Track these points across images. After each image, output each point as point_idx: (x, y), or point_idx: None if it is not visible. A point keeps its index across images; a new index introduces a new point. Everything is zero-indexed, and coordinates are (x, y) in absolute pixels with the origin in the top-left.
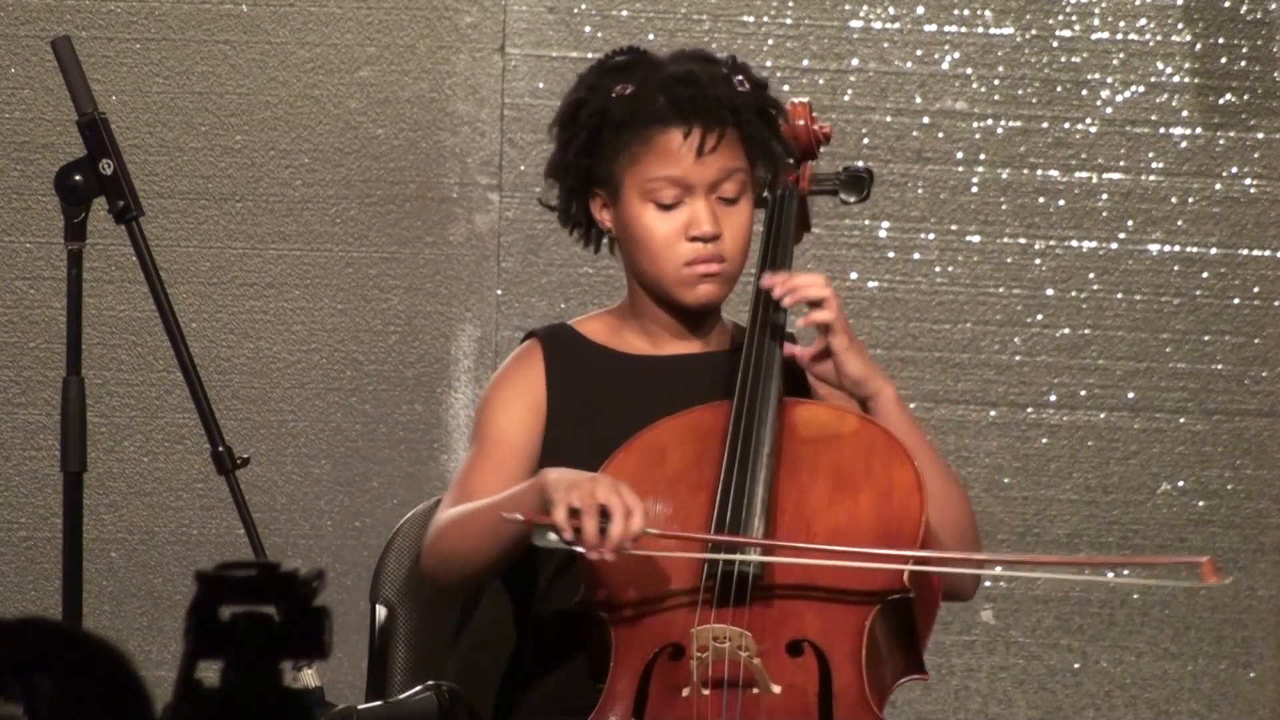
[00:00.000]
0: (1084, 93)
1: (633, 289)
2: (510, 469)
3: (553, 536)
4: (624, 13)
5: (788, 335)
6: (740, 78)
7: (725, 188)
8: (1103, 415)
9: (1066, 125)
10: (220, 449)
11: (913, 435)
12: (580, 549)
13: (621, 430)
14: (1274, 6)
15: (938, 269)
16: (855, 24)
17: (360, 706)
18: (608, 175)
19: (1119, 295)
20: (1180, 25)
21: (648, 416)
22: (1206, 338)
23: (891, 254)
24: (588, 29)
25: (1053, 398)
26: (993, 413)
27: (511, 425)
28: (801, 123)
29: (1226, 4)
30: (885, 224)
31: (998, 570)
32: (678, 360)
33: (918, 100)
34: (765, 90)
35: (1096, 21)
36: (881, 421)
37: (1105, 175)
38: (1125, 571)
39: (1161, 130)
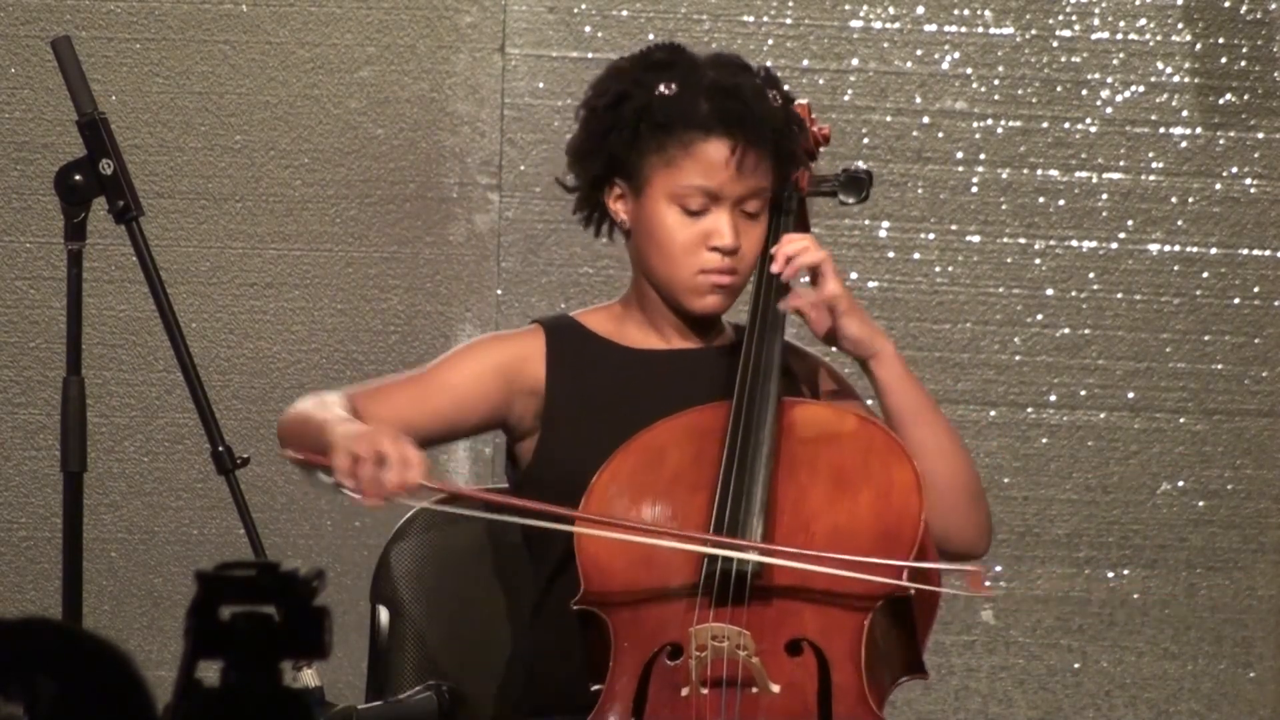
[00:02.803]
0: (1084, 93)
1: (639, 283)
2: (430, 409)
3: (325, 478)
4: (624, 13)
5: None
6: (774, 93)
7: (750, 203)
8: (1103, 415)
9: (1066, 125)
10: (220, 449)
11: (912, 391)
12: (355, 495)
13: (623, 423)
14: (1274, 6)
15: (938, 269)
16: (855, 24)
17: (360, 706)
18: (635, 170)
19: (1119, 295)
20: (1180, 25)
21: (649, 409)
22: (1206, 338)
23: (891, 254)
24: (588, 29)
25: (1053, 398)
26: (993, 413)
27: (473, 378)
28: None
29: (1226, 4)
30: (885, 224)
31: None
32: (680, 354)
33: (918, 100)
34: (791, 105)
35: (1096, 21)
36: (881, 377)
37: (1105, 175)
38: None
39: (1161, 130)
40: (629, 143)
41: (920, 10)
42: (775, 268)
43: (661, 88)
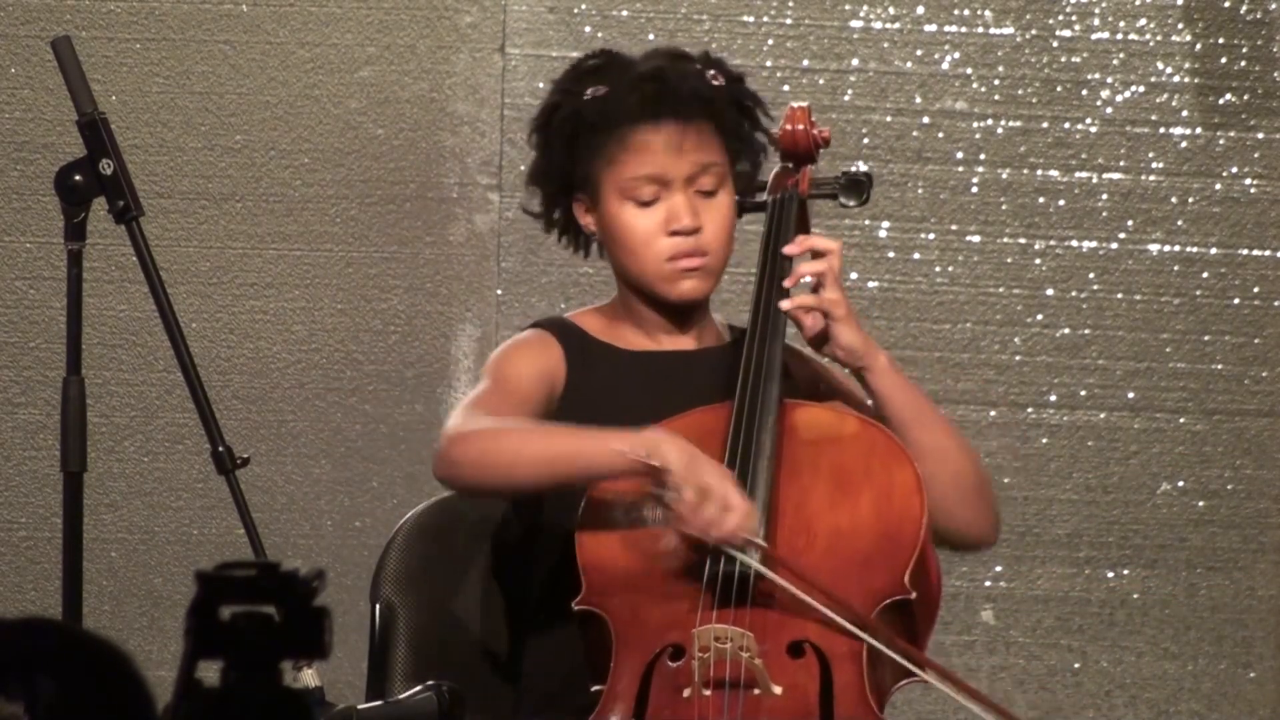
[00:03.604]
0: (1084, 93)
1: (621, 288)
2: (522, 413)
3: (662, 492)
4: (624, 13)
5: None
6: (713, 72)
7: (703, 181)
8: (1103, 415)
9: (1066, 125)
10: (220, 449)
11: (911, 397)
12: (684, 519)
13: (621, 425)
14: (1274, 6)
15: (938, 269)
16: (855, 24)
17: (360, 706)
18: (586, 178)
19: (1119, 295)
20: (1180, 25)
21: (647, 411)
22: (1206, 338)
23: (891, 254)
24: (588, 29)
25: (1053, 398)
26: (993, 413)
27: (529, 382)
28: (801, 127)
29: (1226, 4)
30: (885, 224)
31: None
32: (675, 356)
33: (918, 100)
34: (741, 83)
35: (1096, 21)
36: (877, 388)
37: (1105, 175)
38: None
39: (1161, 130)
40: (570, 152)
41: (920, 10)
42: (791, 250)
43: (590, 91)
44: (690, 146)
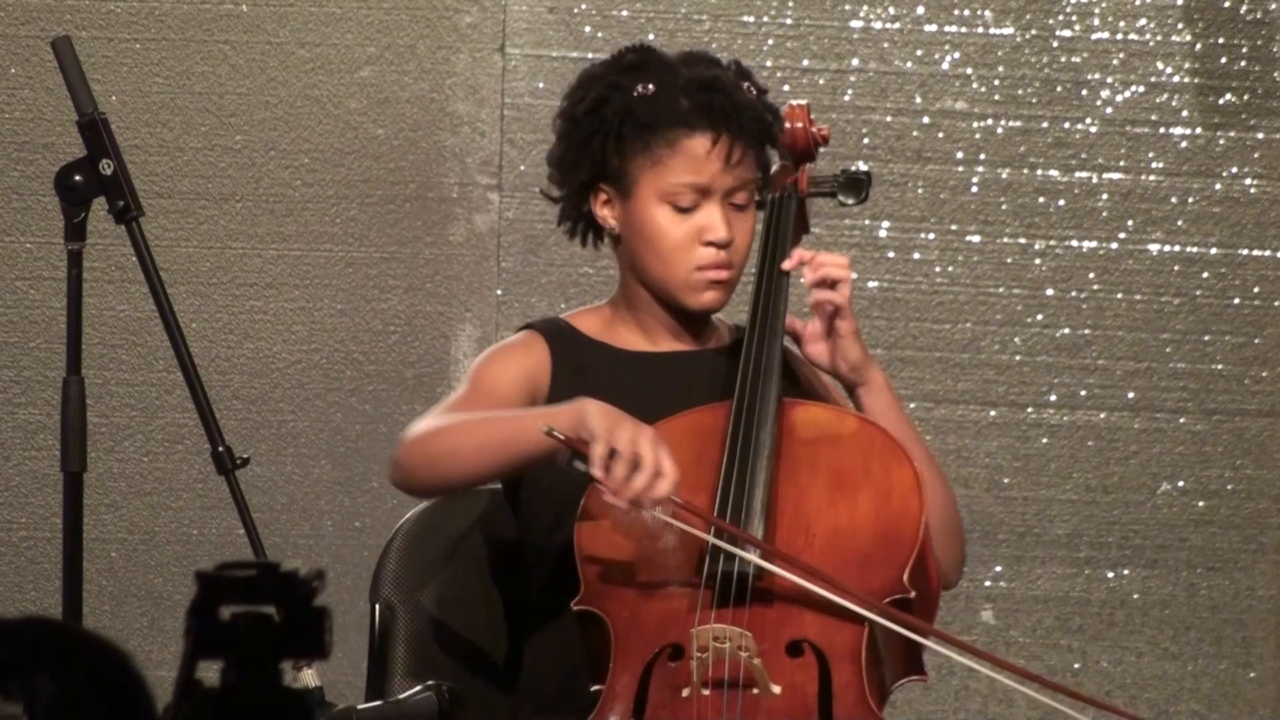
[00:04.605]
0: (1084, 93)
1: (629, 286)
2: None
3: (580, 465)
4: (624, 13)
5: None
6: (747, 84)
7: (739, 195)
8: (1103, 415)
9: (1066, 125)
10: (220, 449)
11: (899, 421)
12: (603, 486)
13: None
14: (1274, 6)
15: (938, 269)
16: (855, 24)
17: (360, 706)
18: (621, 173)
19: (1119, 295)
20: (1180, 25)
21: (644, 413)
22: (1206, 338)
23: (891, 254)
24: (588, 29)
25: (1053, 398)
26: (993, 413)
27: (508, 385)
28: (800, 125)
29: (1226, 4)
30: (885, 224)
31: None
32: (673, 357)
33: (918, 100)
34: (766, 97)
35: (1096, 21)
36: (870, 406)
37: (1105, 175)
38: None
39: (1161, 130)
40: (613, 147)
41: (920, 10)
42: (807, 274)
43: (640, 88)
44: (738, 161)
